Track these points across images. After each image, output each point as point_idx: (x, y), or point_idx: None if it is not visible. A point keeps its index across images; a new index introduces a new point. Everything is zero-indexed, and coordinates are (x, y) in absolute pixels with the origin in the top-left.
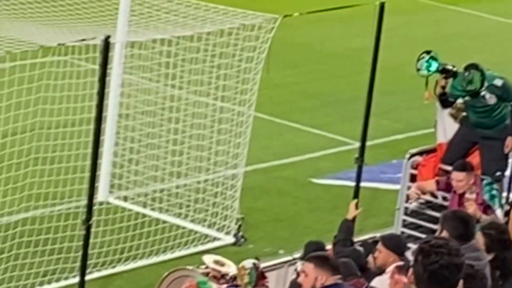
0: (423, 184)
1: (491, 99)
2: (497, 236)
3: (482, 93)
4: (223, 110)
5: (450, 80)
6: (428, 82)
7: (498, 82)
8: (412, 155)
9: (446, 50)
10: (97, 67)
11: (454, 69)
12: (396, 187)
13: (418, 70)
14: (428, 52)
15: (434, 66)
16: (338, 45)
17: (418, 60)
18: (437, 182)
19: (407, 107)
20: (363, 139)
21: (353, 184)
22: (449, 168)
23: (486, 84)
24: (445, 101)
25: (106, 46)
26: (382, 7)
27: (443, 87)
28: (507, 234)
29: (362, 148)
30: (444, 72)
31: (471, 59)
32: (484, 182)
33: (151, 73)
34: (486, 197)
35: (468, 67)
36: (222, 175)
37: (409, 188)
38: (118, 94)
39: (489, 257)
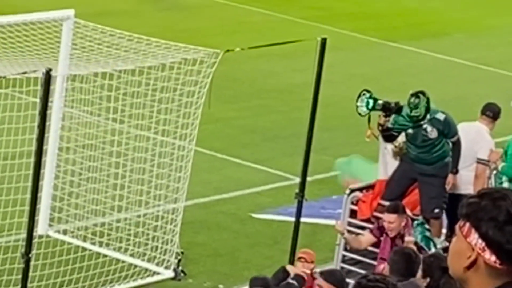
0: (360, 240)
1: (432, 132)
2: (435, 262)
3: (424, 126)
4: (164, 144)
5: (393, 116)
6: (370, 119)
7: (440, 116)
8: (352, 191)
9: (387, 87)
10: (38, 100)
11: (401, 104)
12: None
13: (357, 107)
14: (368, 91)
15: (371, 104)
16: (279, 80)
17: (359, 97)
18: (371, 231)
19: (347, 143)
20: (304, 174)
21: (293, 219)
22: (388, 203)
23: (429, 116)
24: (388, 136)
25: (48, 79)
26: (323, 43)
27: (382, 125)
28: (444, 261)
29: (303, 183)
30: (385, 110)
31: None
32: (415, 223)
33: (92, 106)
34: (418, 238)
35: (414, 93)
36: (162, 209)
37: (349, 223)
38: (59, 127)
39: (425, 282)
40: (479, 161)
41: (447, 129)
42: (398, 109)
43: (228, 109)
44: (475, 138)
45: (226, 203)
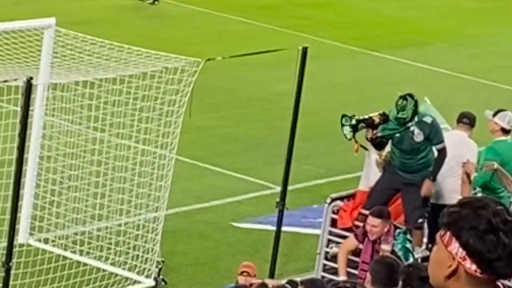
0: (346, 244)
1: (419, 135)
2: (414, 271)
3: (411, 128)
4: (145, 153)
5: (380, 127)
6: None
7: (427, 119)
8: (333, 200)
9: (368, 96)
10: (18, 108)
11: (386, 113)
12: (317, 231)
13: (344, 134)
14: (345, 115)
15: (354, 124)
16: (260, 89)
17: (342, 123)
18: (356, 236)
19: (328, 152)
20: (285, 183)
21: (274, 228)
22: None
23: (417, 118)
24: (378, 144)
25: (28, 87)
26: (304, 52)
27: (372, 139)
28: (423, 271)
29: (284, 192)
30: (371, 126)
31: (393, 105)
32: (398, 231)
33: (73, 115)
34: (397, 247)
35: (403, 96)
36: (143, 218)
37: (330, 233)
38: (40, 136)
39: None
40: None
41: (433, 133)
42: (384, 120)
43: (209, 118)
44: (459, 146)
45: (207, 212)
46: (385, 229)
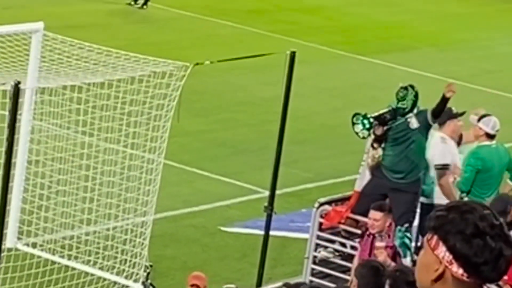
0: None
1: (415, 123)
2: (401, 276)
3: (409, 120)
4: (133, 157)
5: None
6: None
7: (424, 109)
8: (321, 204)
9: (356, 100)
10: (6, 113)
11: (393, 106)
12: (305, 236)
13: (357, 133)
14: (357, 113)
15: (367, 125)
16: (249, 94)
17: (353, 124)
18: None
19: (316, 156)
20: (273, 187)
21: (262, 232)
22: (356, 217)
23: (416, 110)
24: (379, 141)
25: (16, 92)
26: (293, 56)
27: (381, 135)
28: (410, 276)
29: (272, 196)
30: (383, 123)
31: (381, 109)
32: (398, 228)
33: (61, 119)
34: (397, 242)
35: (404, 86)
36: (132, 222)
37: (318, 237)
38: (28, 140)
39: None
40: (436, 167)
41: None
42: (394, 115)
43: (197, 122)
44: (431, 149)
45: (195, 216)
46: (387, 223)
